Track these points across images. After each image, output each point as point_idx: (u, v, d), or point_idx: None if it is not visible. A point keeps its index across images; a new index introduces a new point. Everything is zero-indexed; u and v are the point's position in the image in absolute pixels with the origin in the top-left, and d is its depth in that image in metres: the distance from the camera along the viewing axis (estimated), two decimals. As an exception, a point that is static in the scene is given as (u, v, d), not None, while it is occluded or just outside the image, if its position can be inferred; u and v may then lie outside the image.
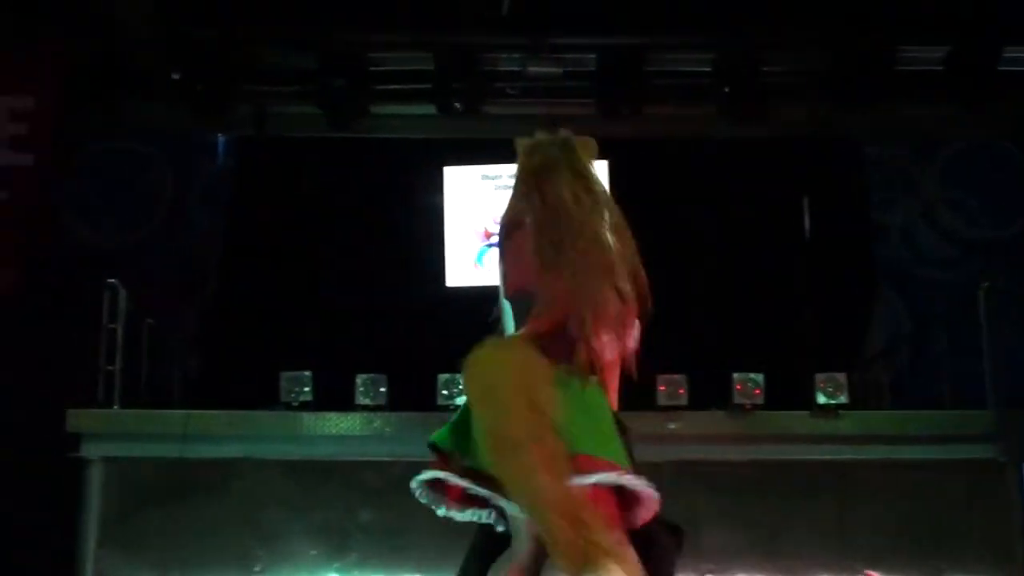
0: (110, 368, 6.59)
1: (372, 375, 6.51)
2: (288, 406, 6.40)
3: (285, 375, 6.44)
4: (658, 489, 2.63)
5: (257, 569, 6.02)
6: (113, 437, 6.29)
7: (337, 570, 6.07)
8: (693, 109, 8.21)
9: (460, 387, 6.42)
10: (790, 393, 6.50)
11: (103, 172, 8.36)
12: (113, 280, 6.75)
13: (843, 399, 6.38)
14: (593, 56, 7.90)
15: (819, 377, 6.43)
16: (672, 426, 6.29)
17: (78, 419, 6.24)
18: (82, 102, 7.81)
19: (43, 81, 7.72)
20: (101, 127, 8.23)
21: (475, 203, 7.94)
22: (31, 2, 7.32)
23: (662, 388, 6.43)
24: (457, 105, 7.87)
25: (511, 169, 8.24)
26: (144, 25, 7.69)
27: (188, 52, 7.84)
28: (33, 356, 6.41)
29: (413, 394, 6.55)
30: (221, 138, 8.60)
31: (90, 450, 6.21)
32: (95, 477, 6.19)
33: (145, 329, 7.06)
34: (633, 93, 7.89)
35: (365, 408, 6.41)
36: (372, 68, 8.00)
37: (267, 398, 6.48)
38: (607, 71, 7.86)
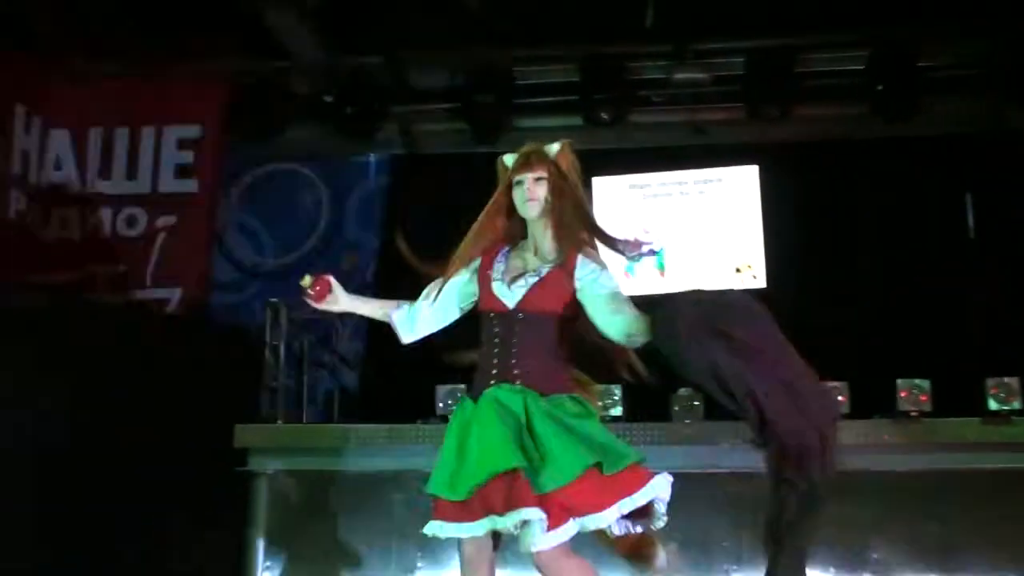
0: (273, 384, 6.81)
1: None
2: (444, 419, 6.47)
3: (441, 388, 6.52)
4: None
5: (417, 579, 6.12)
6: (278, 451, 6.47)
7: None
8: (845, 109, 8.01)
9: (615, 398, 6.40)
10: (959, 399, 6.25)
11: (263, 194, 8.67)
12: (274, 299, 6.97)
13: (1016, 404, 6.10)
14: (740, 60, 7.78)
15: (990, 382, 6.18)
16: (831, 435, 6.11)
17: (245, 434, 6.45)
18: (243, 128, 8.11)
19: (207, 110, 8.05)
20: (261, 151, 8.54)
21: (624, 213, 7.90)
22: (193, 34, 7.63)
23: (821, 396, 6.26)
24: (604, 115, 7.87)
25: (660, 178, 8.22)
26: (300, 52, 7.94)
27: (339, 76, 8.07)
28: (202, 373, 6.64)
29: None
30: (372, 157, 8.79)
31: (257, 464, 6.41)
32: (262, 490, 6.38)
33: (305, 346, 7.25)
34: (783, 95, 7.74)
35: (518, 420, 6.45)
36: (517, 82, 8.07)
37: (423, 411, 6.57)
38: (755, 74, 7.74)
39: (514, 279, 3.19)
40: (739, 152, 8.00)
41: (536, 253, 3.26)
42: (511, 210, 3.32)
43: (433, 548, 6.07)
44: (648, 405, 6.52)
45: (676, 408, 6.48)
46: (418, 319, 3.36)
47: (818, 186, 8.04)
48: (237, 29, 7.66)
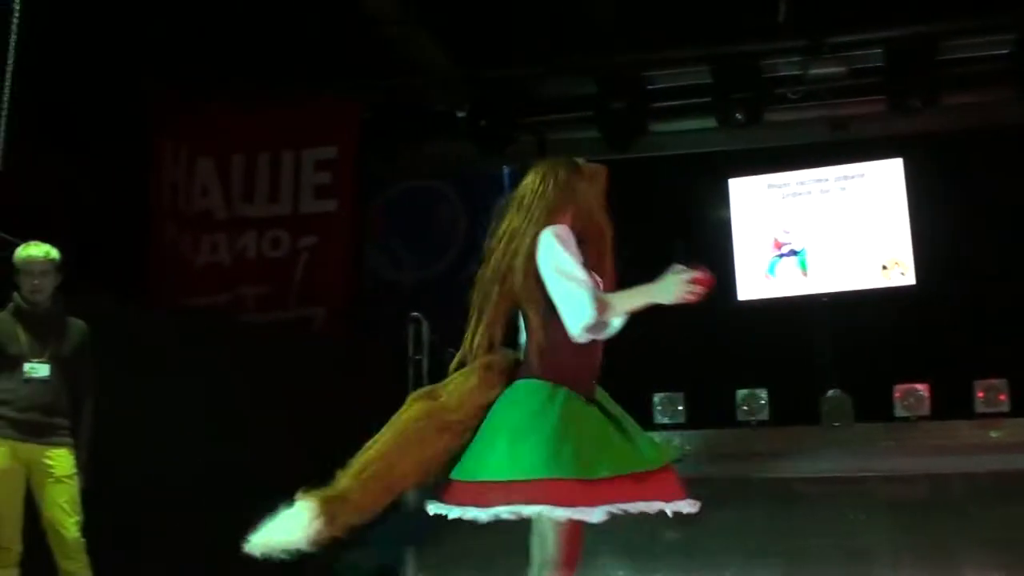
0: (417, 397, 6.88)
1: (669, 393, 6.49)
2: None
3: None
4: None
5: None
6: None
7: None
8: (992, 95, 7.71)
9: (762, 402, 6.28)
10: None
11: (400, 211, 8.80)
12: (416, 313, 7.05)
13: None
14: (879, 51, 7.58)
15: None
16: (994, 435, 5.89)
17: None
18: (378, 147, 8.26)
19: (343, 131, 8.23)
20: (397, 169, 8.68)
21: (762, 213, 7.76)
22: (326, 59, 7.81)
23: (980, 395, 6.05)
24: (738, 115, 7.75)
25: (799, 176, 8.04)
26: (432, 69, 8.05)
27: (472, 91, 8.15)
28: (347, 388, 6.76)
29: (711, 411, 6.46)
30: (506, 169, 8.84)
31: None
32: (408, 501, 6.45)
33: (448, 358, 7.30)
34: (925, 85, 7.50)
35: (664, 427, 6.39)
36: (649, 87, 8.02)
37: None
38: (896, 65, 7.52)
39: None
40: (881, 146, 7.79)
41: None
42: None
43: (587, 557, 6.03)
44: (795, 408, 6.39)
45: (825, 410, 6.33)
46: None
47: (966, 176, 7.76)
48: (370, 50, 7.81)
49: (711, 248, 8.00)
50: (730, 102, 7.80)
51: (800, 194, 7.73)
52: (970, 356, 6.85)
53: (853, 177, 7.65)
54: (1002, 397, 5.99)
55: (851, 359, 7.09)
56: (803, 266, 7.58)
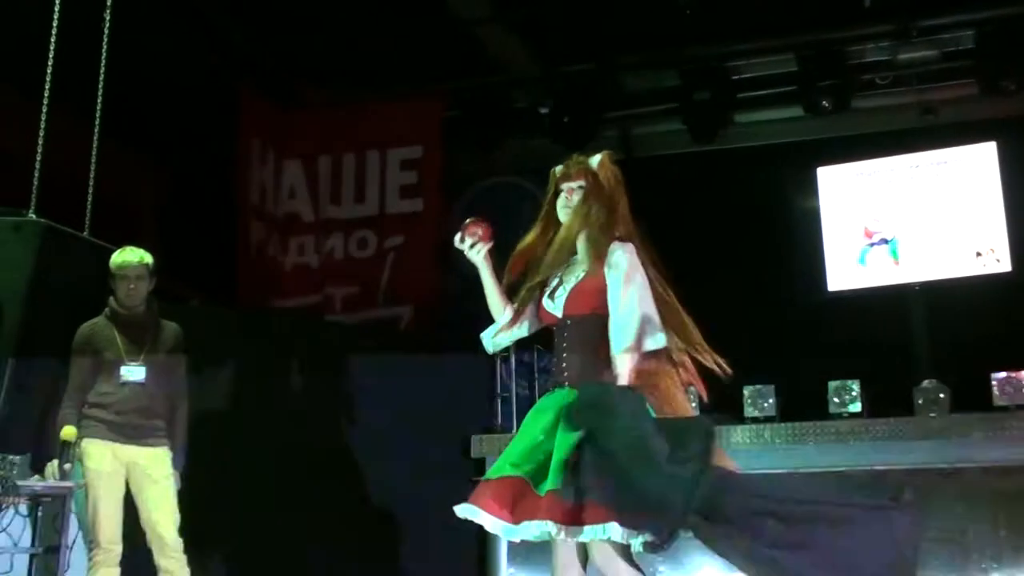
0: (505, 394, 6.91)
1: (759, 386, 6.39)
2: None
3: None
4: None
5: (658, 584, 6.06)
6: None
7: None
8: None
9: (853, 393, 6.16)
10: None
11: (485, 208, 8.80)
12: (503, 310, 7.04)
13: None
14: (970, 32, 7.40)
15: None
16: None
17: (481, 444, 6.57)
18: (462, 145, 8.30)
19: (427, 130, 8.29)
20: (481, 166, 8.71)
21: (852, 202, 7.62)
22: (409, 58, 7.87)
23: None
24: (825, 103, 7.64)
25: (890, 163, 7.88)
26: (514, 66, 8.07)
27: (554, 86, 8.15)
28: (436, 386, 6.81)
29: (802, 403, 6.36)
30: (590, 164, 8.81)
31: (493, 473, 6.49)
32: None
33: (534, 355, 7.32)
34: (1018, 67, 7.30)
35: (754, 420, 6.30)
36: (734, 77, 7.94)
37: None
38: (987, 47, 7.34)
39: (555, 289, 3.30)
40: (974, 130, 7.59)
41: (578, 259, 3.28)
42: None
43: (675, 552, 6.00)
44: (889, 398, 6.26)
45: (920, 401, 6.18)
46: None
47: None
48: (452, 48, 7.85)
49: (800, 239, 7.89)
50: (817, 90, 7.70)
51: (891, 181, 7.58)
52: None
53: (946, 162, 7.47)
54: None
55: (946, 348, 6.93)
56: (894, 254, 7.43)
